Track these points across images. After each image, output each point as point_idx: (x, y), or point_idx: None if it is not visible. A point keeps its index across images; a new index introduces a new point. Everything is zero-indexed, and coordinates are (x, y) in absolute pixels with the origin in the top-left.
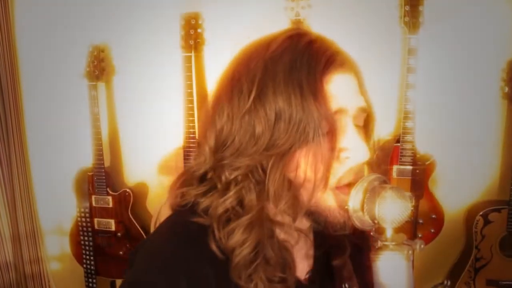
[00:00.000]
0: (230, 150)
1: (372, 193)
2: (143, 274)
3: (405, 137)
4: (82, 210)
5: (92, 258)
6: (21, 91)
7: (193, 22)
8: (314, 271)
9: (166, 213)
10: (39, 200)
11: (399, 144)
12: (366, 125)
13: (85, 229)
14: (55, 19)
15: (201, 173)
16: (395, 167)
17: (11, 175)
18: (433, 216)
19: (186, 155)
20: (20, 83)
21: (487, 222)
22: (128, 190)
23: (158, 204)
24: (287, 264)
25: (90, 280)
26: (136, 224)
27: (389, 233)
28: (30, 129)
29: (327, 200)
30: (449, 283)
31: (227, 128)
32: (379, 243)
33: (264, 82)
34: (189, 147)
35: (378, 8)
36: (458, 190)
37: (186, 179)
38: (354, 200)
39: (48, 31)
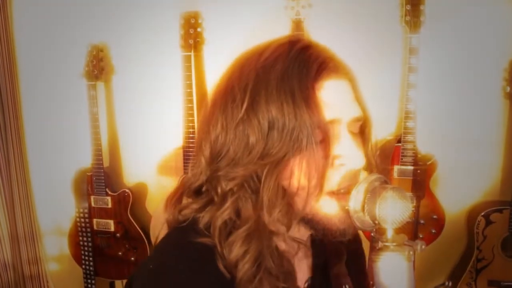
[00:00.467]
0: (225, 161)
1: (372, 194)
2: None
3: (406, 137)
4: (81, 210)
5: (91, 258)
6: (19, 90)
7: (192, 21)
8: (313, 279)
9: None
10: (37, 200)
11: (400, 144)
12: (362, 131)
13: (84, 229)
14: (53, 18)
15: (197, 186)
16: (396, 167)
17: (9, 175)
18: (434, 216)
19: (186, 155)
20: (18, 83)
21: (488, 222)
22: (127, 190)
23: (158, 225)
24: (289, 274)
25: (89, 281)
26: (136, 225)
27: (389, 233)
28: (28, 129)
29: (325, 208)
30: (450, 284)
31: (222, 138)
32: (380, 244)
33: (257, 90)
34: (189, 147)
35: (379, 7)
36: (460, 191)
37: (183, 193)
38: (355, 200)
39: (47, 30)
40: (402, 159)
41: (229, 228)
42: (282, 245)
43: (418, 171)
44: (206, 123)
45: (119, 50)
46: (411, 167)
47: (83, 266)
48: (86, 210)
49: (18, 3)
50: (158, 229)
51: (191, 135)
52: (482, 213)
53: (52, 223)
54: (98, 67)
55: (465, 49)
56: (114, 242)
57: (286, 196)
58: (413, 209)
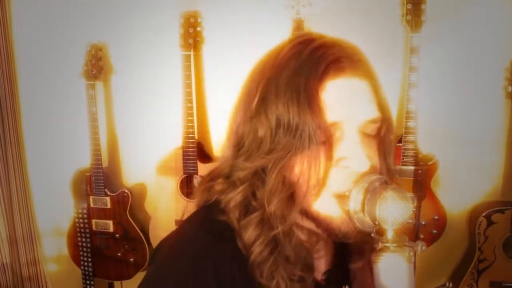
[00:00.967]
0: (242, 152)
1: (373, 194)
2: (170, 266)
3: (407, 137)
4: (80, 211)
5: (90, 259)
6: (18, 90)
7: (192, 20)
8: (331, 272)
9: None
10: (36, 201)
11: (401, 144)
12: (378, 133)
13: (82, 230)
14: (52, 17)
15: (224, 171)
16: (397, 167)
17: (7, 176)
18: (436, 217)
19: (185, 155)
20: (17, 82)
21: (490, 223)
22: (126, 190)
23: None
24: (306, 264)
25: (88, 282)
26: (135, 225)
27: (390, 234)
28: (27, 129)
29: (328, 209)
30: (451, 285)
31: (240, 130)
32: (380, 245)
33: (268, 87)
34: (188, 147)
35: (379, 7)
36: (461, 191)
37: (214, 176)
38: (355, 201)
39: (45, 29)
40: (403, 159)
41: (245, 210)
42: (301, 235)
43: (419, 171)
44: (233, 115)
45: (118, 50)
46: (412, 167)
47: (82, 267)
48: (85, 211)
49: (17, 2)
50: (157, 230)
51: (190, 135)
52: (484, 214)
53: (50, 224)
54: (97, 67)
55: (467, 49)
56: (113, 243)
57: (286, 189)
58: (414, 209)
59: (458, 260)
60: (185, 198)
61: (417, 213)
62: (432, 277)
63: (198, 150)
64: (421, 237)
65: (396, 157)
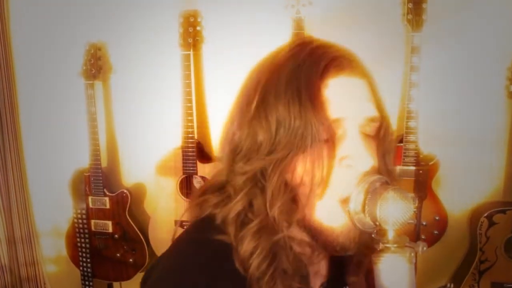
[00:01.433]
0: (240, 157)
1: (373, 194)
2: None
3: (408, 137)
4: (79, 211)
5: (88, 260)
6: (16, 89)
7: (192, 20)
8: (328, 284)
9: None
10: (34, 201)
11: (401, 144)
12: (377, 135)
13: (81, 230)
14: (51, 17)
15: (219, 182)
16: (397, 168)
17: (6, 176)
18: (437, 217)
19: (185, 156)
20: (15, 82)
21: (491, 223)
22: (125, 191)
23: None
24: (303, 276)
25: (87, 282)
26: (134, 226)
27: (391, 235)
28: (25, 129)
29: (333, 217)
30: (452, 286)
31: (237, 135)
32: (381, 245)
33: (267, 89)
34: (188, 147)
35: (380, 6)
36: (462, 191)
37: (207, 189)
38: (355, 201)
39: (44, 28)
40: (404, 159)
41: (242, 222)
42: (296, 248)
43: (420, 171)
44: (227, 123)
45: (118, 49)
46: (413, 168)
47: (81, 268)
48: (83, 211)
49: (16, 1)
50: (157, 231)
51: (190, 135)
52: (485, 214)
53: (49, 224)
54: (96, 66)
55: (468, 48)
56: (112, 244)
57: (288, 191)
58: (415, 210)
59: (459, 261)
60: (185, 199)
61: (418, 214)
62: (433, 278)
63: (197, 150)
64: (422, 237)
65: (397, 157)
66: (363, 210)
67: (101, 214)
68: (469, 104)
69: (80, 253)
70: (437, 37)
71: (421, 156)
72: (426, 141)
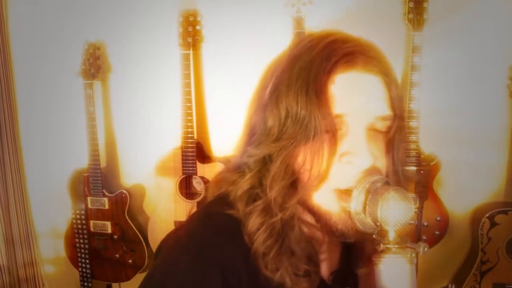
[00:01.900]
0: (253, 140)
1: (374, 195)
2: (175, 260)
3: (409, 137)
4: (78, 212)
5: (87, 261)
6: (14, 89)
7: (191, 19)
8: (339, 272)
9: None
10: (33, 201)
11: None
12: (388, 133)
13: (80, 231)
14: (49, 16)
15: (237, 162)
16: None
17: (4, 176)
18: (438, 218)
19: (184, 156)
20: (13, 81)
21: (493, 224)
22: (124, 191)
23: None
24: (311, 258)
25: (86, 283)
26: (133, 226)
27: (391, 235)
28: (24, 129)
29: (327, 205)
30: (453, 287)
31: (253, 119)
32: (382, 246)
33: (281, 78)
34: (187, 147)
35: (381, 5)
36: (464, 192)
37: (226, 169)
38: (356, 201)
39: (43, 27)
40: (405, 159)
41: (251, 200)
42: (303, 228)
43: (421, 171)
44: (249, 106)
45: (117, 48)
46: (414, 168)
47: (80, 269)
48: (82, 212)
49: (14, 1)
50: (156, 231)
51: (189, 135)
52: (487, 215)
53: (48, 225)
54: (94, 66)
55: (469, 47)
56: (111, 244)
57: (288, 176)
58: (416, 210)
59: (460, 262)
60: (184, 199)
61: (419, 214)
62: (434, 278)
63: (197, 150)
64: (423, 238)
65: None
66: (364, 211)
67: (100, 214)
68: (471, 104)
69: (79, 254)
70: (438, 37)
71: (422, 156)
72: (427, 141)
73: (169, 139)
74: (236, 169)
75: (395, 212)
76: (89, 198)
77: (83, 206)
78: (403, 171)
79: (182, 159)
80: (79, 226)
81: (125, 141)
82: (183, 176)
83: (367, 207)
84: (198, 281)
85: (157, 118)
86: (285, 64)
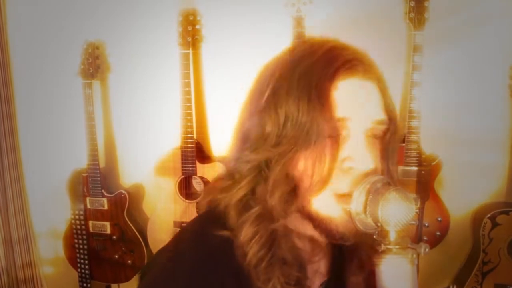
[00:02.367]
0: (247, 146)
1: (375, 195)
2: (164, 285)
3: (410, 137)
4: (76, 212)
5: (86, 262)
6: (13, 89)
7: (191, 18)
8: (328, 283)
9: None
10: (31, 202)
11: (403, 144)
12: (384, 137)
13: (79, 232)
14: (48, 15)
15: (229, 169)
16: (399, 168)
17: (3, 176)
18: (439, 218)
19: (184, 156)
20: (12, 81)
21: (495, 224)
22: (124, 191)
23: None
24: (302, 266)
25: (85, 284)
26: (132, 227)
27: (392, 236)
28: (22, 129)
29: (328, 209)
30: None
31: (247, 124)
32: (382, 247)
33: (280, 83)
34: (187, 147)
35: (382, 4)
36: (465, 192)
37: (219, 177)
38: (357, 202)
39: (41, 27)
40: (405, 159)
41: (244, 208)
42: (297, 242)
43: (422, 172)
44: (240, 111)
45: (116, 48)
46: (415, 168)
47: (79, 270)
48: (81, 212)
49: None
50: (155, 232)
51: (189, 135)
52: (488, 215)
53: (46, 225)
54: (94, 65)
55: (471, 47)
56: (110, 245)
57: (288, 182)
58: (417, 211)
59: (462, 263)
60: (184, 199)
61: (420, 215)
62: (435, 279)
63: (197, 150)
64: (424, 239)
65: (399, 158)
66: (365, 211)
67: (99, 215)
68: (472, 104)
69: (77, 255)
70: (439, 36)
71: (423, 156)
72: (429, 141)
73: (168, 139)
74: (228, 176)
75: (396, 212)
76: (88, 199)
77: (82, 207)
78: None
79: (182, 159)
80: (78, 227)
81: (125, 141)
82: (183, 176)
83: (368, 207)
84: None
85: (156, 118)
86: (284, 69)
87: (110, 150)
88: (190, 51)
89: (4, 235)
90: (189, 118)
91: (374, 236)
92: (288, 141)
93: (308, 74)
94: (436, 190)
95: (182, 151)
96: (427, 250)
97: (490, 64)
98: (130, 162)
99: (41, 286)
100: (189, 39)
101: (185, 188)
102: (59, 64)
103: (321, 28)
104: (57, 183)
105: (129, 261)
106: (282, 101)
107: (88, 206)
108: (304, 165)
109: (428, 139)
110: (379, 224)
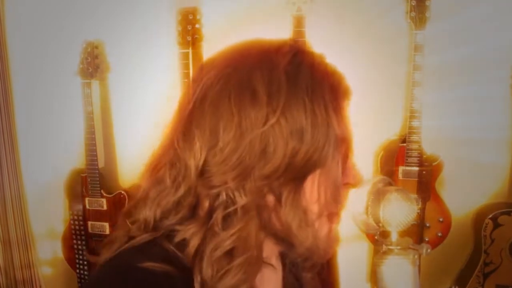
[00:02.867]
0: (234, 172)
1: (376, 196)
2: None
3: (411, 137)
4: (75, 213)
5: (85, 262)
6: (11, 89)
7: (190, 17)
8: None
9: None
10: (30, 202)
11: (405, 144)
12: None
13: (78, 232)
14: (47, 14)
15: (179, 196)
16: (400, 168)
17: (1, 176)
18: (440, 219)
19: None
20: (10, 81)
21: (496, 225)
22: (123, 192)
23: None
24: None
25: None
26: None
27: (394, 236)
28: (21, 128)
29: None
30: None
31: (233, 144)
32: (384, 247)
33: (288, 96)
34: None
35: (383, 3)
36: (466, 192)
37: (150, 200)
38: (358, 203)
39: (40, 26)
40: (407, 159)
41: (225, 257)
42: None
43: (424, 172)
44: (203, 122)
45: (115, 47)
46: (416, 168)
47: (77, 270)
48: (80, 213)
49: None
50: None
51: None
52: (490, 216)
53: (45, 226)
54: (93, 65)
55: (472, 46)
56: None
57: (312, 221)
58: (418, 211)
59: (463, 263)
60: None
61: (422, 215)
62: (437, 280)
63: None
64: (426, 239)
65: (400, 158)
66: (366, 212)
67: (98, 215)
68: (473, 104)
69: (76, 255)
70: (441, 35)
71: (424, 156)
72: (430, 141)
73: None
74: (173, 204)
75: (398, 213)
76: (87, 199)
77: (80, 207)
78: None
79: None
80: (77, 227)
81: (124, 141)
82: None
83: (369, 208)
84: None
85: (156, 117)
86: (286, 81)
87: (109, 150)
88: (190, 50)
89: (3, 236)
90: None
91: (376, 237)
92: (301, 163)
93: (319, 87)
94: (438, 190)
95: None
96: (428, 250)
97: (491, 64)
98: (129, 162)
99: (40, 287)
100: (189, 38)
101: None
102: (58, 64)
103: (321, 27)
104: (55, 183)
105: None
106: (294, 116)
107: (87, 206)
108: (317, 189)
109: (429, 139)
110: (380, 225)
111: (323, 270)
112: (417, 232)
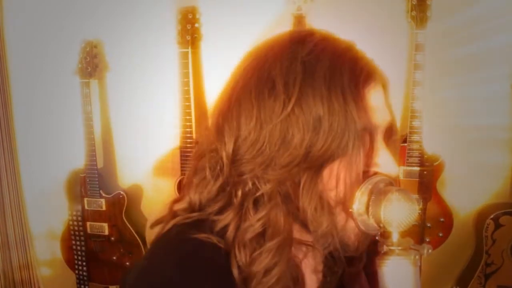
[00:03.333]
0: (257, 161)
1: (377, 196)
2: None
3: (412, 137)
4: (74, 213)
5: (84, 263)
6: (10, 88)
7: (190, 16)
8: (324, 285)
9: None
10: (29, 202)
11: (405, 144)
12: (388, 137)
13: (77, 233)
14: (46, 13)
15: (218, 185)
16: (401, 168)
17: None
18: (442, 219)
19: (183, 156)
20: (9, 80)
21: (498, 225)
22: (122, 192)
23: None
24: (297, 281)
25: (82, 286)
26: (131, 228)
27: (395, 237)
28: (19, 129)
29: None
30: None
31: (254, 134)
32: (385, 248)
33: (304, 85)
34: (186, 147)
35: (383, 2)
36: (468, 192)
37: (196, 193)
38: (359, 202)
39: (39, 25)
40: (408, 159)
41: (257, 242)
42: (293, 250)
43: (425, 172)
44: (230, 115)
45: (114, 47)
46: (417, 168)
47: (76, 271)
48: (79, 213)
49: None
50: (154, 233)
51: (188, 135)
52: (491, 216)
53: (43, 226)
54: (92, 64)
55: (473, 45)
56: (108, 246)
57: (329, 209)
58: (420, 211)
59: (464, 264)
60: None
61: (423, 215)
62: (438, 281)
63: None
64: (427, 240)
65: (401, 158)
66: (367, 212)
67: (97, 216)
68: (474, 103)
69: (75, 256)
70: (442, 35)
71: (425, 156)
72: (431, 141)
73: (167, 139)
74: (214, 192)
75: (399, 213)
76: (85, 199)
77: (79, 208)
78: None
79: (181, 160)
80: (76, 228)
81: (123, 141)
82: (182, 176)
83: (370, 208)
84: None
85: (155, 117)
86: (303, 70)
87: (108, 150)
88: (189, 49)
89: (1, 237)
90: (188, 118)
91: (377, 237)
92: (321, 153)
93: (338, 75)
94: (439, 190)
95: (181, 152)
96: (429, 251)
97: (492, 63)
98: (128, 163)
99: None
100: (188, 37)
101: None
102: (57, 63)
103: (322, 26)
104: (54, 183)
105: (127, 263)
106: (310, 106)
107: (86, 207)
108: (337, 178)
109: (430, 139)
110: (381, 225)
111: (367, 266)
112: (418, 233)
